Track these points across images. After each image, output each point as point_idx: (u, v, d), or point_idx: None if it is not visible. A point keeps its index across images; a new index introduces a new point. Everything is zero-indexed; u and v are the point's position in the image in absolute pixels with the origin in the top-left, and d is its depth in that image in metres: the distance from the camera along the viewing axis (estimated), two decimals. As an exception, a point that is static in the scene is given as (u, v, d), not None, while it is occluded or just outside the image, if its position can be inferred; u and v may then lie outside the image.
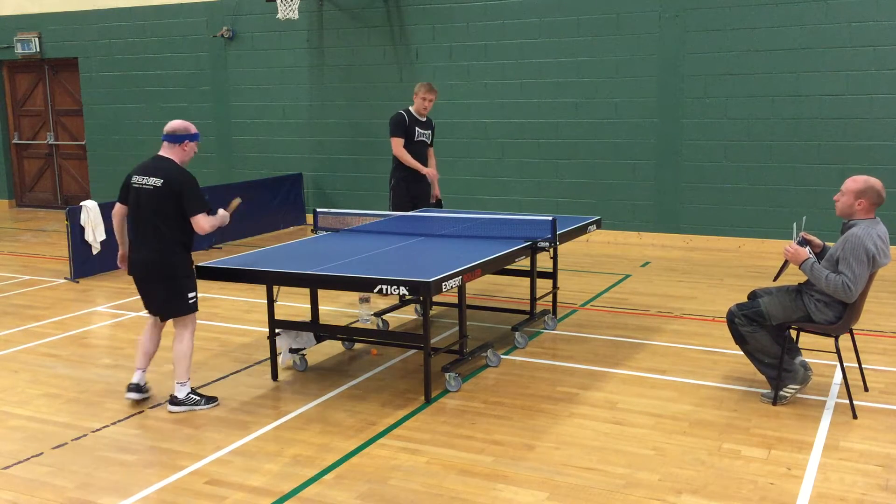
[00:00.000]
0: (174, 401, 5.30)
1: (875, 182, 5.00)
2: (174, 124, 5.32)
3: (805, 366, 5.26)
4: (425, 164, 7.95)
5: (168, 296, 5.24)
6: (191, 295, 5.26)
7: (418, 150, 7.88)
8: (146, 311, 5.49)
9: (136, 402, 5.46)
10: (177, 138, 5.27)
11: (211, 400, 5.39)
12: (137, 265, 5.26)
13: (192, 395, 5.34)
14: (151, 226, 5.14)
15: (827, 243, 5.31)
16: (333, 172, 12.40)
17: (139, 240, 5.23)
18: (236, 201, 5.58)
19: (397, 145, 7.79)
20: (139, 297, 5.45)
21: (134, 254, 5.29)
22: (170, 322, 5.43)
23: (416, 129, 7.87)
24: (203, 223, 5.12)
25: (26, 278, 9.29)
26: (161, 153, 5.29)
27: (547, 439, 4.82)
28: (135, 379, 5.47)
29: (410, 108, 7.89)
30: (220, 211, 5.37)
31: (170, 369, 6.17)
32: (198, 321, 6.94)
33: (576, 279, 8.77)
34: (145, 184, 5.16)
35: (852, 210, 5.02)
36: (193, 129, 5.34)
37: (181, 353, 5.29)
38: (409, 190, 7.89)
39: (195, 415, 5.29)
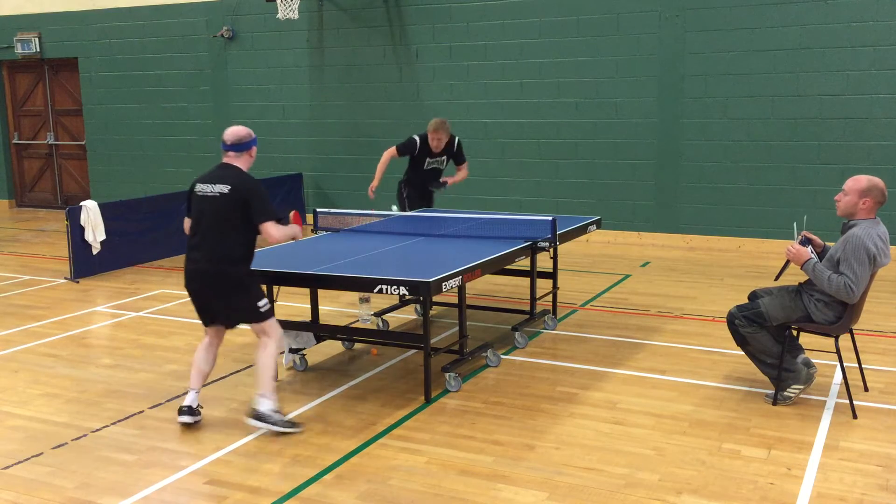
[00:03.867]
0: (255, 414, 4.93)
1: (878, 181, 5.00)
2: (237, 132, 5.05)
3: (808, 363, 5.26)
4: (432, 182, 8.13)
5: (240, 305, 4.96)
6: (261, 303, 4.98)
7: (430, 176, 8.10)
8: (205, 325, 5.15)
9: (189, 426, 5.08)
10: (244, 146, 5.04)
11: (296, 425, 4.98)
12: (197, 276, 4.95)
13: (277, 415, 4.95)
14: (215, 236, 4.88)
15: (827, 243, 5.32)
16: (333, 172, 12.40)
17: (201, 249, 4.92)
18: (293, 214, 5.34)
19: (386, 152, 7.99)
20: (196, 307, 5.10)
21: (193, 264, 4.96)
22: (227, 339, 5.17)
23: (426, 158, 7.98)
24: (273, 231, 4.90)
25: (26, 278, 9.29)
26: (226, 161, 5.05)
27: (547, 439, 4.82)
28: (188, 401, 5.09)
29: (429, 135, 7.90)
30: (293, 225, 5.16)
31: (172, 369, 6.17)
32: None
33: (576, 279, 8.77)
34: (210, 192, 4.92)
35: (856, 209, 5.02)
36: (253, 133, 5.14)
37: (265, 363, 4.96)
38: (418, 192, 8.19)
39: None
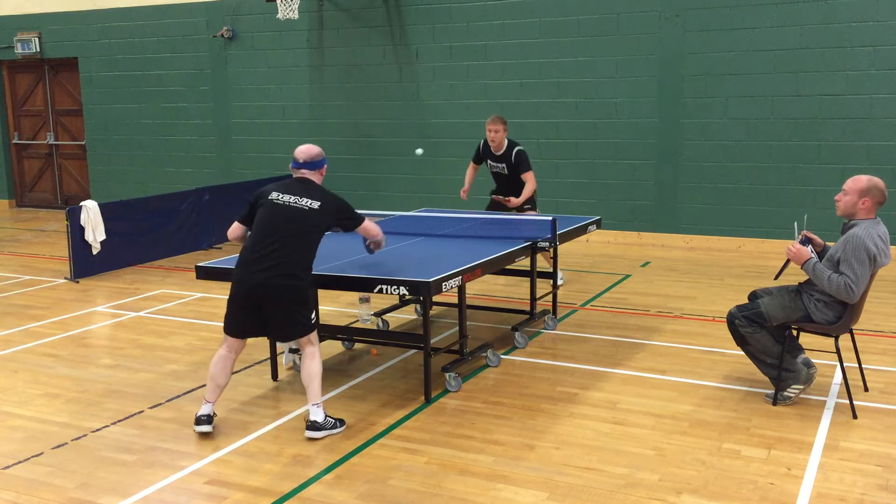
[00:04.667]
0: (315, 426, 4.86)
1: (878, 181, 5.00)
2: (310, 151, 5.15)
3: (808, 363, 5.25)
4: (504, 193, 8.08)
5: (292, 319, 4.87)
6: (313, 315, 5.02)
7: (498, 181, 8.21)
8: (234, 337, 4.97)
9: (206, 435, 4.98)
10: (318, 164, 5.13)
11: (341, 422, 5.02)
12: (261, 288, 4.78)
13: (329, 419, 4.95)
14: (286, 247, 4.80)
15: (827, 243, 5.32)
16: (333, 172, 12.35)
17: (272, 260, 4.78)
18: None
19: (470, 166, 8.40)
20: (237, 318, 4.92)
21: (258, 276, 4.78)
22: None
23: (489, 161, 8.13)
24: (371, 226, 5.25)
25: (26, 278, 9.29)
26: (305, 177, 5.09)
27: (547, 439, 4.82)
28: (204, 410, 4.99)
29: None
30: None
31: (172, 369, 6.17)
32: (199, 321, 6.96)
33: (576, 279, 8.77)
34: (296, 203, 4.90)
35: (856, 209, 5.02)
36: (324, 153, 5.27)
37: (314, 372, 4.91)
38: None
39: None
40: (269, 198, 4.96)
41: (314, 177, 5.12)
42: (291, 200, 4.93)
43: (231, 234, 5.13)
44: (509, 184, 8.03)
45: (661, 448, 4.68)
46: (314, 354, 4.97)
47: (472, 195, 8.54)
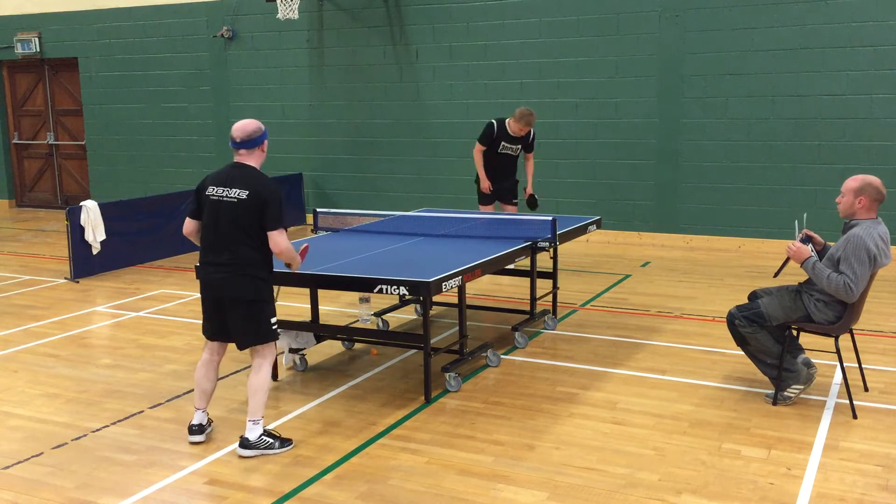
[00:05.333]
0: (245, 443, 4.66)
1: (872, 179, 5.00)
2: (246, 127, 4.67)
3: (808, 363, 5.26)
4: (511, 173, 8.56)
5: (251, 321, 4.67)
6: (273, 320, 4.73)
7: (502, 162, 8.48)
8: (209, 339, 4.88)
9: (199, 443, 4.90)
10: (255, 141, 4.66)
11: (286, 442, 4.75)
12: (215, 286, 4.66)
13: (264, 437, 4.68)
14: (233, 243, 4.58)
15: (828, 243, 5.32)
16: (333, 172, 12.40)
17: (220, 257, 4.62)
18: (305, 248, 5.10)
19: (475, 150, 8.44)
20: (207, 320, 4.84)
21: (209, 274, 4.67)
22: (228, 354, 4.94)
23: (503, 142, 8.35)
24: (280, 241, 4.58)
25: (26, 278, 9.29)
26: (238, 160, 4.69)
27: (547, 439, 4.82)
28: (196, 419, 4.89)
29: (507, 120, 8.33)
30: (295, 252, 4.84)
31: (172, 369, 6.17)
32: (198, 321, 6.93)
33: (576, 279, 8.77)
34: (227, 196, 4.58)
35: (853, 209, 5.02)
36: (263, 126, 4.75)
37: (258, 386, 4.68)
38: (493, 186, 8.49)
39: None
40: (206, 193, 4.67)
41: (253, 156, 4.69)
42: (223, 193, 4.60)
43: (185, 231, 4.85)
44: (511, 164, 8.54)
45: (661, 448, 4.68)
46: (260, 368, 4.71)
47: (468, 194, 8.57)
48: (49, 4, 14.04)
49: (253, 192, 4.55)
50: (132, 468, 4.57)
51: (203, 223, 4.72)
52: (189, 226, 4.82)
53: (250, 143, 4.66)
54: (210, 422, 4.99)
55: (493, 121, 8.38)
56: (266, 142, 4.75)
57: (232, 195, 4.58)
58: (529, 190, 8.62)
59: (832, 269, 4.96)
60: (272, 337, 4.76)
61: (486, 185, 8.44)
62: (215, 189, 4.64)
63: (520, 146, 8.45)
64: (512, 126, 8.30)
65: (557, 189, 10.87)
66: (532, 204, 8.58)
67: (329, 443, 4.83)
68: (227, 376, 5.99)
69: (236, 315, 4.67)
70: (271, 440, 4.70)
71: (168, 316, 7.65)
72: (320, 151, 12.42)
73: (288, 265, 4.88)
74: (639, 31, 10.26)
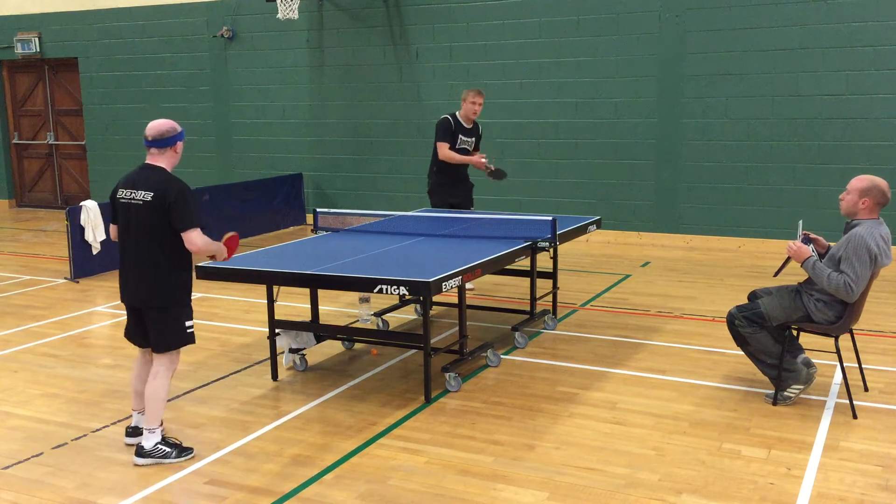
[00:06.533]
0: (139, 451, 4.59)
1: (880, 182, 5.00)
2: (159, 126, 4.58)
3: (808, 363, 5.26)
4: (466, 173, 8.08)
5: (163, 326, 4.59)
6: (188, 324, 4.64)
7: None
8: (133, 344, 4.84)
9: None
10: (167, 142, 4.57)
11: (185, 451, 4.64)
12: (130, 293, 4.63)
13: (160, 446, 4.59)
14: (144, 246, 4.52)
15: (831, 244, 5.31)
16: (333, 172, 12.40)
17: (130, 263, 4.59)
18: (230, 237, 4.85)
19: (444, 149, 7.79)
20: (127, 324, 4.81)
21: (124, 279, 4.65)
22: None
23: (460, 136, 7.91)
24: (195, 239, 4.46)
25: (26, 278, 9.29)
26: (148, 161, 4.61)
27: (547, 439, 4.82)
28: (133, 422, 4.87)
29: (457, 113, 7.91)
30: (217, 243, 4.69)
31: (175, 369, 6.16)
32: (199, 321, 6.95)
33: (576, 279, 8.77)
34: (134, 199, 4.52)
35: (856, 209, 5.02)
36: (179, 127, 4.66)
37: (156, 394, 4.57)
38: (449, 194, 8.01)
39: (195, 415, 5.28)
40: (117, 196, 4.63)
41: (164, 157, 4.59)
42: (130, 196, 4.54)
43: (112, 236, 4.80)
44: (466, 163, 7.98)
45: (661, 448, 4.68)
46: (157, 373, 4.60)
47: (475, 194, 8.43)
48: (49, 4, 14.05)
49: (158, 193, 4.48)
50: (132, 468, 4.57)
51: (118, 227, 4.68)
52: (113, 231, 4.77)
53: (161, 142, 4.58)
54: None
55: (447, 116, 7.85)
56: (180, 143, 4.65)
57: (138, 198, 4.52)
58: (491, 166, 7.90)
59: (833, 269, 4.96)
60: (187, 341, 4.67)
61: (482, 162, 7.80)
62: (124, 192, 4.60)
63: (473, 139, 8.00)
64: (464, 111, 7.80)
65: (557, 189, 10.87)
66: (499, 175, 7.96)
67: (329, 443, 4.83)
68: (228, 376, 5.99)
69: (150, 319, 4.61)
70: (167, 448, 4.61)
71: (168, 316, 7.65)
72: (320, 151, 12.42)
73: (212, 258, 4.79)
74: (639, 31, 10.26)
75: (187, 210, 4.47)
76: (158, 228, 4.50)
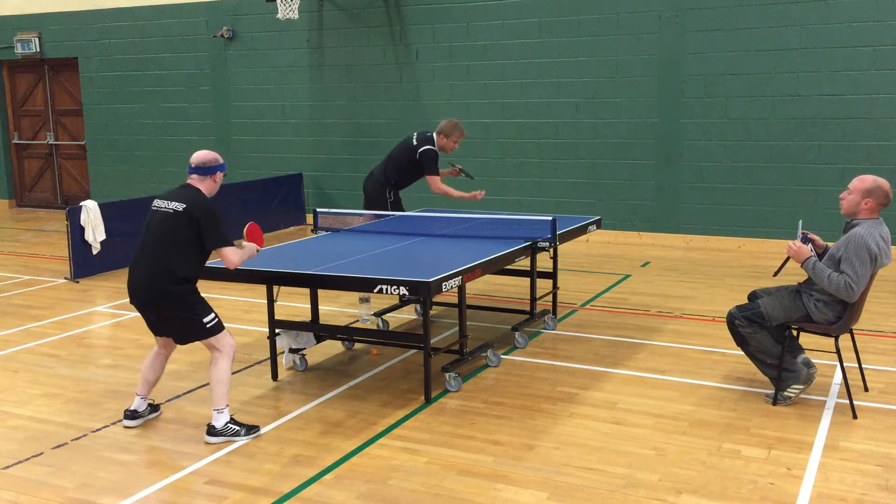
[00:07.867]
0: (211, 431, 4.86)
1: (883, 182, 5.00)
2: (203, 156, 4.95)
3: (808, 363, 5.26)
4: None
5: (179, 323, 4.85)
6: (207, 319, 4.83)
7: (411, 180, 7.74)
8: (154, 335, 5.08)
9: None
10: (208, 170, 4.92)
11: (253, 429, 4.93)
12: (138, 292, 4.84)
13: (230, 425, 4.87)
14: (161, 251, 4.75)
15: (828, 244, 5.31)
16: (333, 172, 12.40)
17: (141, 264, 4.81)
18: (250, 227, 5.12)
19: (437, 182, 7.49)
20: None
21: (132, 279, 4.86)
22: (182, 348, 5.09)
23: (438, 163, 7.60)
24: (232, 257, 4.80)
25: (26, 278, 9.29)
26: (189, 183, 4.93)
27: (547, 439, 4.82)
28: (133, 405, 5.14)
29: (435, 141, 7.47)
30: (245, 243, 4.99)
31: (172, 369, 6.15)
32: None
33: (576, 279, 8.77)
34: (164, 207, 4.80)
35: (858, 209, 5.02)
36: (221, 160, 5.02)
37: (216, 378, 4.88)
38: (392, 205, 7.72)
39: (195, 415, 5.28)
40: (151, 206, 4.91)
41: (203, 183, 4.92)
42: (162, 205, 4.83)
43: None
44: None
45: (661, 448, 4.68)
46: (216, 360, 4.88)
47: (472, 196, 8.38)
48: (49, 4, 14.04)
49: (188, 207, 4.75)
50: (132, 468, 4.57)
51: (143, 228, 4.92)
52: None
53: (203, 170, 4.92)
54: (152, 410, 5.22)
55: (432, 148, 7.43)
56: (220, 174, 4.97)
57: (169, 207, 4.79)
58: (456, 167, 7.74)
59: (833, 269, 4.96)
60: (213, 332, 4.86)
61: (477, 194, 7.54)
62: (159, 203, 4.88)
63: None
64: (445, 146, 7.49)
65: (557, 189, 10.87)
66: (466, 173, 7.76)
67: (329, 443, 4.83)
68: (227, 376, 5.98)
69: (161, 317, 4.88)
70: (237, 427, 4.89)
71: (168, 316, 7.65)
72: (320, 151, 12.42)
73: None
74: (639, 31, 10.26)
75: (218, 229, 4.79)
76: (177, 237, 4.75)
